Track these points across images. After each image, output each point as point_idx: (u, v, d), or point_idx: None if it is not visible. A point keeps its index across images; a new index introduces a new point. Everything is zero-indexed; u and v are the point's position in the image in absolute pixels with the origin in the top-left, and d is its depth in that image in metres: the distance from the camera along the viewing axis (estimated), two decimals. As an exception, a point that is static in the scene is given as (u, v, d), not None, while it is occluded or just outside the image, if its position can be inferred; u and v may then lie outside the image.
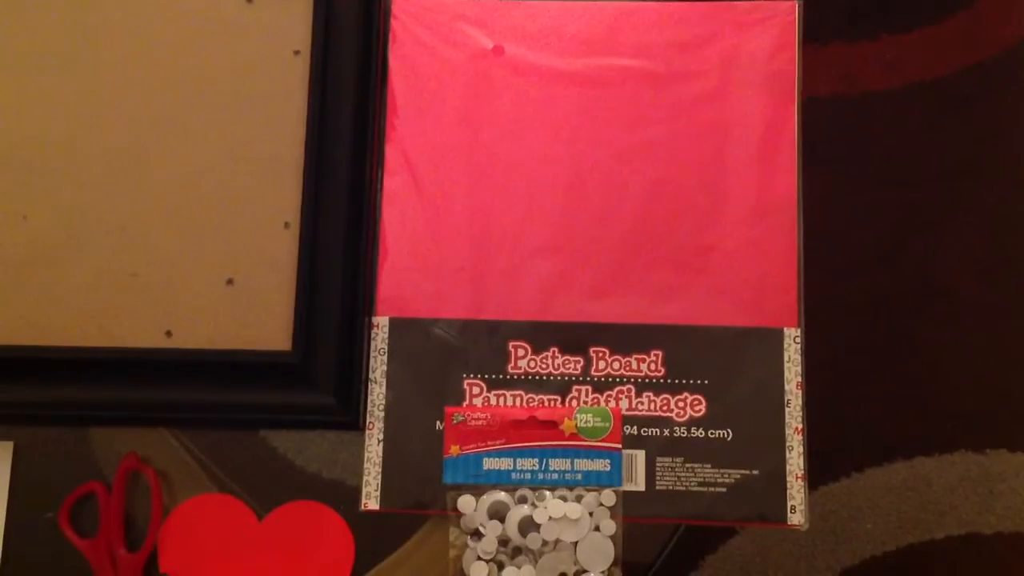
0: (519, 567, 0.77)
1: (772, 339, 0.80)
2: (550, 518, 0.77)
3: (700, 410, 0.79)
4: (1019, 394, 0.81)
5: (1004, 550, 0.79)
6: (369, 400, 0.80)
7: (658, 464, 0.79)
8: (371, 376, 0.81)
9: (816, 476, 0.79)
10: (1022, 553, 0.79)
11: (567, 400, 0.80)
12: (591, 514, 0.78)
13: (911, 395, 0.80)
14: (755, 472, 0.78)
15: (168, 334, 0.80)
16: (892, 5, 0.86)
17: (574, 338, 0.81)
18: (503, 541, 0.78)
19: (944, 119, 0.85)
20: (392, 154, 0.84)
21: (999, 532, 0.79)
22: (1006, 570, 0.79)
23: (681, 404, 0.80)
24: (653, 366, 0.80)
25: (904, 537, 0.79)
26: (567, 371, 0.80)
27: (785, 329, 0.80)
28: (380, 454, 0.79)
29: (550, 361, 0.80)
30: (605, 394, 0.80)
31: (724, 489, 0.78)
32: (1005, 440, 0.80)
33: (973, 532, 0.79)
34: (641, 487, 0.79)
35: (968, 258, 0.82)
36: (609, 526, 0.78)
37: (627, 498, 0.79)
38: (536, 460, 0.79)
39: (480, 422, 0.79)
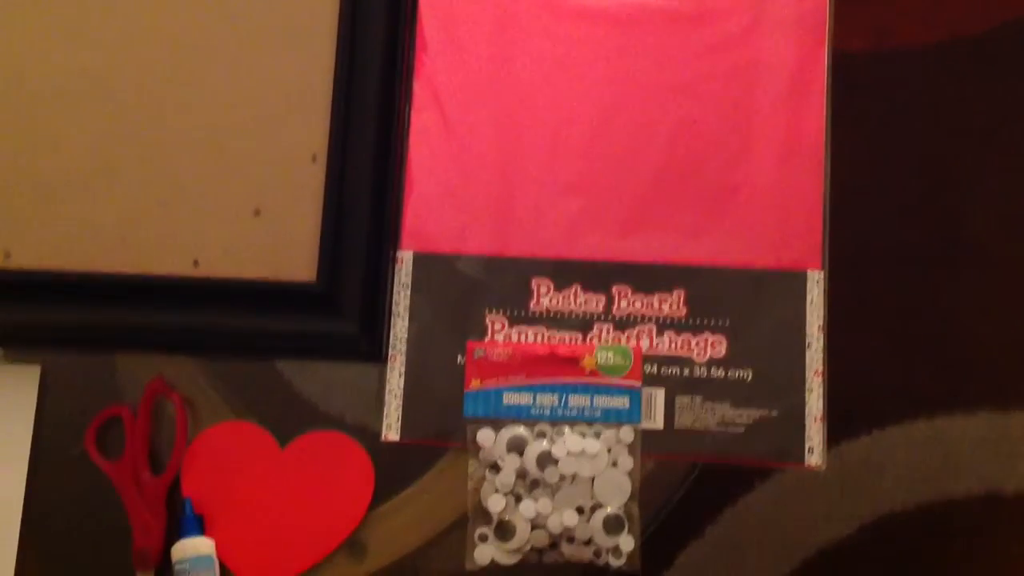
0: (536, 500, 0.77)
1: (795, 281, 0.80)
2: (568, 452, 0.78)
3: (721, 351, 0.80)
4: (1044, 353, 0.80)
5: (1023, 510, 0.79)
6: (392, 333, 0.81)
7: (677, 403, 0.79)
8: (394, 309, 0.81)
9: (837, 431, 0.79)
10: (1041, 513, 0.79)
11: (588, 338, 0.80)
12: (609, 450, 0.78)
13: (935, 351, 0.80)
14: (774, 413, 0.79)
15: (196, 263, 0.81)
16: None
17: (597, 276, 0.81)
18: (521, 474, 0.78)
19: (978, 76, 0.84)
20: (420, 90, 0.84)
21: (1020, 492, 0.79)
22: (1025, 529, 0.79)
23: (702, 344, 0.80)
24: (675, 306, 0.80)
25: (923, 494, 0.79)
26: (589, 309, 0.81)
27: (808, 271, 0.80)
28: (401, 386, 0.80)
29: (572, 299, 0.81)
30: (626, 332, 0.80)
31: (742, 429, 0.79)
32: (1029, 400, 0.80)
33: (993, 492, 0.79)
34: (660, 425, 0.79)
35: (998, 215, 0.82)
36: (627, 462, 0.78)
37: (645, 436, 0.79)
38: (556, 396, 0.79)
39: (501, 357, 0.80)
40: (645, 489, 0.79)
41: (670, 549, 0.78)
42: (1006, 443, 0.79)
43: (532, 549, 0.78)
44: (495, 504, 0.78)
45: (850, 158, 0.82)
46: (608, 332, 0.80)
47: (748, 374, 0.79)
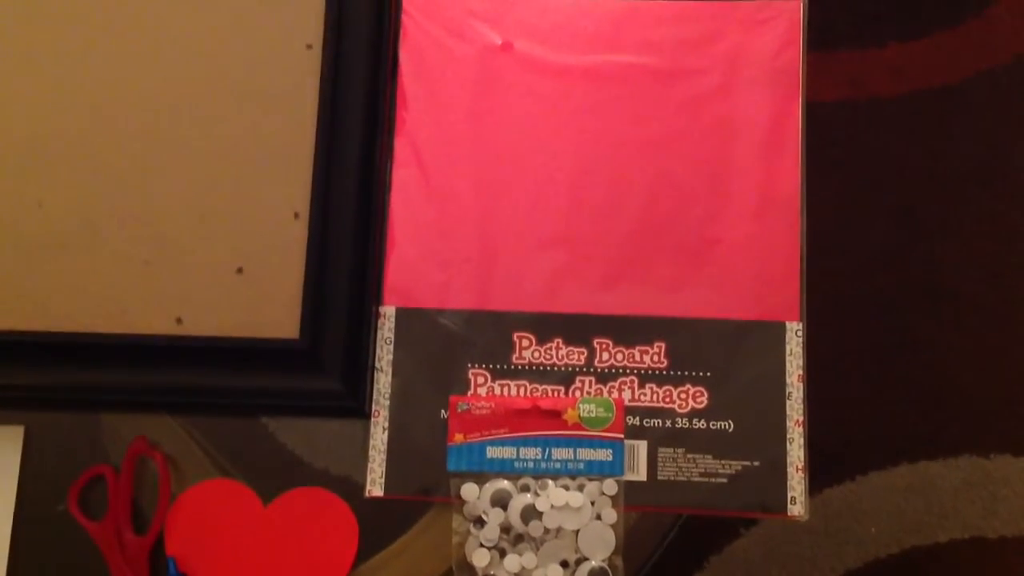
0: (521, 554, 0.77)
1: (774, 332, 0.81)
2: (552, 506, 0.78)
3: (702, 401, 0.80)
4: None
5: (1007, 554, 0.79)
6: (375, 388, 0.81)
7: (660, 454, 0.80)
8: (377, 365, 0.82)
9: (821, 478, 0.79)
10: (1026, 557, 0.79)
11: (570, 390, 0.81)
12: (593, 503, 0.79)
13: (916, 398, 0.81)
14: (756, 463, 0.79)
15: (179, 321, 0.81)
16: (901, 13, 0.86)
17: (578, 329, 0.82)
18: (505, 528, 0.78)
19: (952, 126, 0.85)
20: (401, 146, 0.85)
21: (1003, 536, 0.79)
22: (1009, 574, 0.79)
23: (683, 395, 0.80)
24: (656, 358, 0.81)
25: (908, 540, 0.79)
26: (571, 362, 0.81)
27: (787, 323, 0.81)
28: (385, 442, 0.80)
29: (554, 352, 0.81)
30: (608, 385, 0.81)
31: (725, 480, 0.79)
32: (1010, 445, 0.80)
33: (977, 536, 0.79)
34: (643, 477, 0.79)
35: (975, 263, 0.83)
36: (610, 515, 0.78)
37: (629, 488, 0.79)
38: (539, 449, 0.80)
39: (484, 411, 0.80)
40: (629, 541, 0.79)
41: (656, 600, 0.79)
42: (988, 487, 0.80)
43: (517, 604, 0.78)
44: (480, 559, 0.78)
45: (825, 208, 0.83)
46: (590, 384, 0.81)
47: (729, 425, 0.80)
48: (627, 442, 0.80)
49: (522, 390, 0.81)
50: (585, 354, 0.81)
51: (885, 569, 0.79)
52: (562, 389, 0.81)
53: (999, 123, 0.85)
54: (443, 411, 0.81)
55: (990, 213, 0.83)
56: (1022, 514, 0.79)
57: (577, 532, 0.78)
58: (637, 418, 0.80)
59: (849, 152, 0.83)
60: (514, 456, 0.80)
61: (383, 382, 0.81)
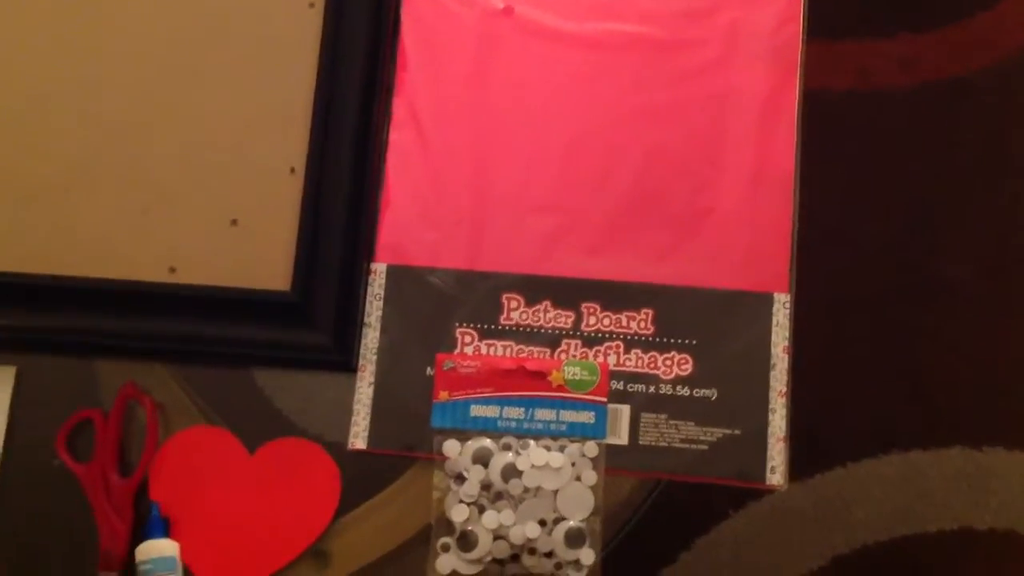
0: (499, 511, 0.78)
1: (762, 303, 0.81)
2: (532, 465, 0.79)
3: (687, 369, 0.81)
4: (1018, 391, 0.81)
5: (997, 547, 0.79)
6: (363, 343, 0.82)
7: (642, 419, 0.80)
8: (366, 320, 0.82)
9: (811, 464, 0.80)
10: (1015, 550, 0.79)
11: (556, 353, 0.81)
12: (573, 464, 0.79)
13: (909, 387, 0.81)
14: (737, 432, 0.80)
15: (172, 270, 0.82)
16: (912, 3, 0.87)
17: (567, 293, 0.82)
18: (485, 486, 0.79)
19: (959, 119, 0.85)
20: (399, 107, 0.86)
21: (992, 528, 0.79)
22: (998, 567, 0.79)
23: (668, 362, 0.81)
24: (643, 324, 0.81)
25: (897, 528, 0.79)
26: (558, 325, 0.82)
27: (775, 294, 0.81)
28: (371, 396, 0.81)
29: (542, 314, 0.82)
30: (594, 349, 0.81)
31: (706, 447, 0.79)
32: (1002, 437, 0.80)
33: (966, 527, 0.79)
34: (624, 441, 0.80)
35: (975, 255, 0.83)
36: (590, 476, 0.79)
37: (610, 451, 0.80)
38: (522, 409, 0.80)
39: (470, 370, 0.81)
40: (608, 504, 0.79)
41: (641, 574, 0.79)
42: (979, 479, 0.80)
43: (493, 560, 0.78)
44: (458, 514, 0.78)
45: (828, 195, 0.83)
46: (576, 348, 0.81)
47: (713, 393, 0.80)
48: (610, 406, 0.80)
49: (509, 350, 0.82)
50: (573, 318, 0.82)
51: (873, 556, 0.79)
52: (548, 351, 0.81)
53: (1006, 117, 0.85)
54: (429, 368, 0.81)
55: (993, 207, 0.83)
56: (1013, 507, 0.79)
57: (556, 492, 0.79)
58: (621, 383, 0.81)
59: (855, 141, 0.84)
60: (498, 415, 0.80)
61: (371, 338, 0.82)
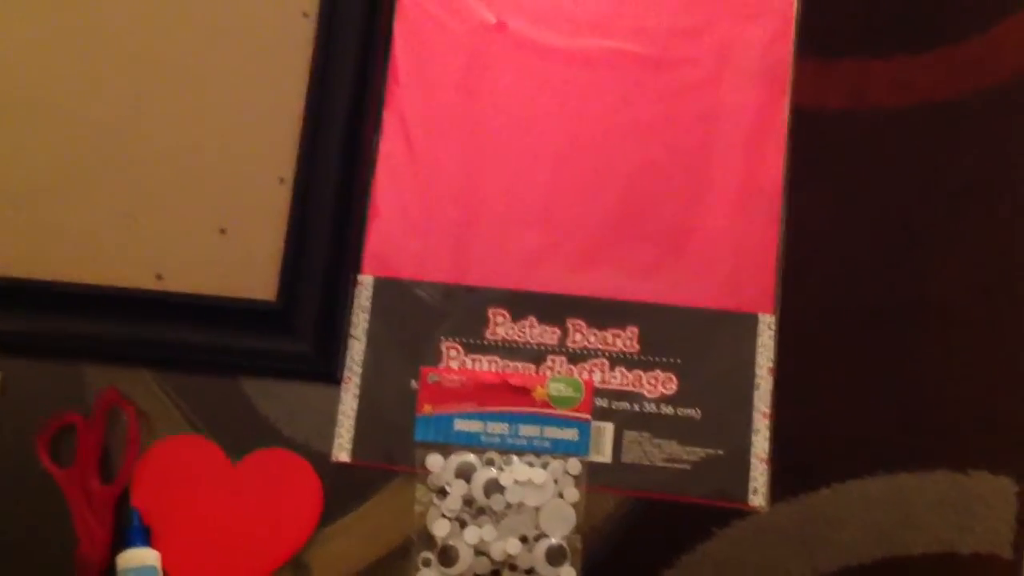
0: (481, 527, 0.78)
1: (746, 323, 0.81)
2: (515, 481, 0.79)
3: (671, 388, 0.81)
4: (1004, 415, 0.81)
5: (980, 571, 0.79)
6: (348, 355, 0.82)
7: (626, 437, 0.80)
8: (352, 332, 0.82)
9: (797, 484, 0.80)
10: (998, 575, 0.79)
11: (541, 369, 0.81)
12: (556, 481, 0.79)
13: (895, 410, 0.81)
14: (720, 452, 0.80)
15: (159, 277, 0.82)
16: (906, 25, 0.87)
17: (552, 309, 0.82)
18: (468, 501, 0.79)
19: (951, 140, 0.85)
20: (390, 119, 0.86)
21: (976, 553, 0.79)
22: (980, 591, 0.79)
23: (652, 381, 0.81)
24: (628, 342, 0.82)
25: (881, 550, 0.79)
26: (543, 340, 0.82)
27: (760, 315, 0.81)
28: (355, 408, 0.81)
29: (527, 330, 0.82)
30: (579, 366, 0.81)
31: (688, 466, 0.80)
32: (988, 462, 0.80)
33: (950, 551, 0.79)
34: (607, 459, 0.80)
35: (966, 277, 0.83)
36: (572, 494, 0.79)
37: (592, 468, 0.80)
38: (506, 425, 0.80)
39: (454, 384, 0.81)
40: (590, 522, 0.79)
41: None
42: (964, 503, 0.80)
43: (474, 576, 0.78)
44: (440, 529, 0.78)
45: (818, 214, 0.83)
46: (561, 364, 0.82)
47: (697, 412, 0.80)
48: (594, 423, 0.80)
49: (493, 366, 0.82)
50: (558, 334, 0.82)
51: (858, 576, 0.79)
52: (533, 367, 0.82)
53: (998, 140, 0.85)
54: (414, 382, 0.81)
55: (984, 229, 0.83)
56: (996, 531, 0.79)
57: (538, 509, 0.79)
58: (606, 400, 0.81)
59: (845, 161, 0.84)
60: (481, 430, 0.80)
61: (356, 349, 0.82)
